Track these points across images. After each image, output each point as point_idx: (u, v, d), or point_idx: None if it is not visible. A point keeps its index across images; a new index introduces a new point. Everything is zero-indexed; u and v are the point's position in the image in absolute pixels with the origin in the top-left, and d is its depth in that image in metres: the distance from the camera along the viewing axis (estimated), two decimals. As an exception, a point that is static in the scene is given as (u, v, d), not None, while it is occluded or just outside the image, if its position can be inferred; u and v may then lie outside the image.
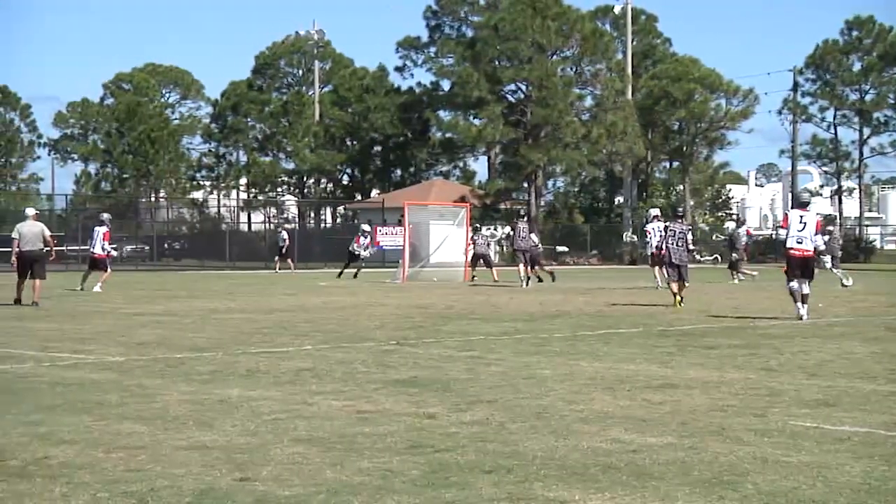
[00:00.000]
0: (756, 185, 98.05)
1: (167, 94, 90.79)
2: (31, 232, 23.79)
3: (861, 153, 71.94)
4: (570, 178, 68.72)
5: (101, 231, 29.08)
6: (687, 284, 22.86)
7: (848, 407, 9.34)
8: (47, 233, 24.03)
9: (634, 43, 68.47)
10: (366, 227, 42.01)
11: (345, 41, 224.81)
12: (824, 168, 74.98)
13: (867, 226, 73.65)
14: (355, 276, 37.99)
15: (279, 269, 47.44)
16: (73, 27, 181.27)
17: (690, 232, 23.64)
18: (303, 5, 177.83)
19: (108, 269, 29.57)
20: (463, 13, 69.71)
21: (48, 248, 23.97)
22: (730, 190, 75.20)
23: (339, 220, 77.46)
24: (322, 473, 6.85)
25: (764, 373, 11.63)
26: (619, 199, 70.56)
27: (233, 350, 13.92)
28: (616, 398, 9.84)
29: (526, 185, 63.75)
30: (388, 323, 18.43)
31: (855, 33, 70.57)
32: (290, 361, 12.64)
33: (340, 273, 39.08)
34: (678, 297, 22.43)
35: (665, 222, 25.65)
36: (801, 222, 18.79)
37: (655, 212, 31.01)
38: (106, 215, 30.59)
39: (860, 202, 76.14)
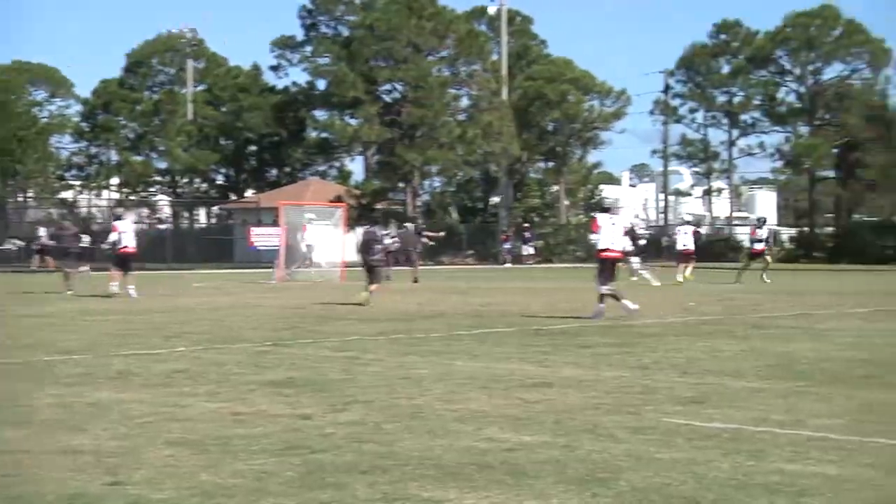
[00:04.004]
0: (630, 185, 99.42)
1: (35, 92, 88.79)
2: None
3: (730, 154, 73.48)
4: (447, 178, 68.93)
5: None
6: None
7: (718, 404, 9.51)
8: None
9: (510, 44, 68.93)
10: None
11: (218, 40, 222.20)
12: (695, 168, 76.36)
13: (736, 225, 75.14)
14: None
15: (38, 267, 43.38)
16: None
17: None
18: (175, 3, 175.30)
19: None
20: (339, 12, 69.48)
21: None
22: (602, 190, 76.14)
23: (213, 221, 76.58)
24: (196, 476, 6.75)
25: (638, 371, 11.79)
26: (494, 199, 70.97)
27: (104, 352, 13.66)
28: (492, 397, 9.88)
29: (402, 185, 63.78)
30: (264, 324, 18.28)
31: (723, 36, 72.02)
32: (162, 363, 12.45)
33: None
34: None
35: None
36: (612, 225, 19.35)
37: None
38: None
39: (730, 202, 77.76)
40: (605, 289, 19.21)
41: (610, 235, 19.25)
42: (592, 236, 19.62)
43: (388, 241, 26.20)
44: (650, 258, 42.59)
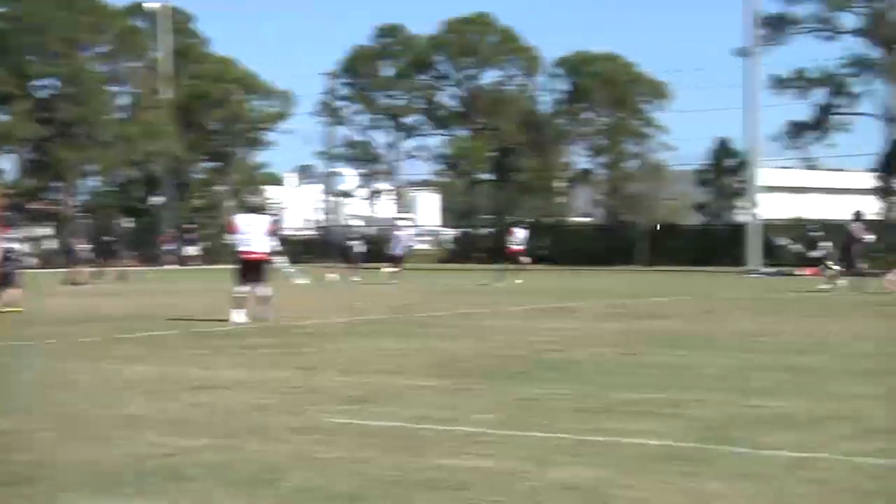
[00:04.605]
0: (296, 185, 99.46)
1: None
2: None
3: (393, 156, 74.75)
4: (108, 177, 66.96)
5: None
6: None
7: (381, 402, 9.64)
8: None
9: (174, 42, 67.64)
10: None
11: None
12: (360, 170, 77.20)
13: (401, 226, 76.46)
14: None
15: None
16: None
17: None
18: None
19: None
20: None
21: None
22: (265, 191, 75.85)
23: None
24: None
25: (302, 371, 11.79)
26: (156, 200, 69.47)
27: None
28: (152, 401, 9.65)
29: (58, 184, 61.51)
30: None
31: (386, 40, 73.17)
32: None
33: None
34: None
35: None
36: (250, 226, 18.95)
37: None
38: None
39: (395, 203, 79.09)
40: (235, 290, 18.98)
41: (249, 236, 18.85)
42: (230, 237, 19.28)
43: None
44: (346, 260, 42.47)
